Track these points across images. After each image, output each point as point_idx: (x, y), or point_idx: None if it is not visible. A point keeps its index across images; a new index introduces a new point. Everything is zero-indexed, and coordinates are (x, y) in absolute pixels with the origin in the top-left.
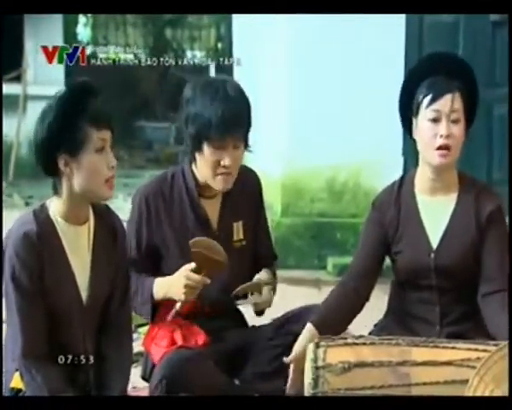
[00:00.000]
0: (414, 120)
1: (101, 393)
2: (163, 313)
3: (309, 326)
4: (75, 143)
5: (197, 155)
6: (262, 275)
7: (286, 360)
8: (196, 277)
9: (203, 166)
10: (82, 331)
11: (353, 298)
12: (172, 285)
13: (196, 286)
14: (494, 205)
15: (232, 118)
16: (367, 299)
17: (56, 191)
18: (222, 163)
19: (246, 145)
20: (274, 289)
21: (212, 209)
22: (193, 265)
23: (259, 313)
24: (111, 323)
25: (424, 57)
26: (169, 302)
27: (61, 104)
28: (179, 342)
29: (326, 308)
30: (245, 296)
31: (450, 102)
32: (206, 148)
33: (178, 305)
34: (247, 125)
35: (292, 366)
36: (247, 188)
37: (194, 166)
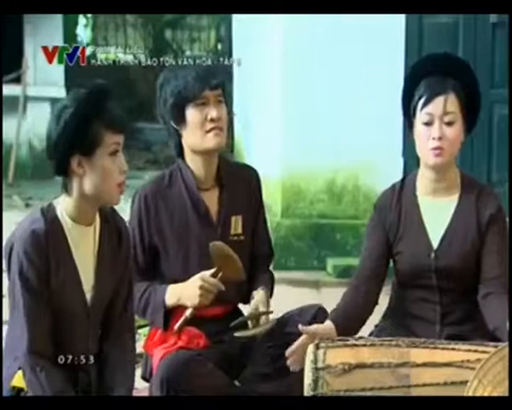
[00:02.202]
0: (414, 122)
1: (103, 394)
2: (176, 320)
3: (328, 323)
4: (90, 145)
5: (184, 131)
6: (258, 299)
7: (302, 328)
8: (212, 279)
9: (192, 133)
10: (85, 332)
11: (365, 301)
12: (186, 290)
13: (211, 290)
14: (495, 206)
15: (207, 72)
16: (376, 302)
17: (66, 190)
18: (209, 117)
19: (226, 104)
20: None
21: (211, 202)
22: (209, 272)
23: None
24: (114, 324)
25: (421, 59)
26: (182, 310)
27: (78, 104)
28: (180, 343)
29: (344, 310)
30: (244, 325)
31: (442, 105)
32: (190, 112)
33: (189, 312)
34: (222, 82)
35: (302, 338)
36: (245, 183)
37: (186, 159)
